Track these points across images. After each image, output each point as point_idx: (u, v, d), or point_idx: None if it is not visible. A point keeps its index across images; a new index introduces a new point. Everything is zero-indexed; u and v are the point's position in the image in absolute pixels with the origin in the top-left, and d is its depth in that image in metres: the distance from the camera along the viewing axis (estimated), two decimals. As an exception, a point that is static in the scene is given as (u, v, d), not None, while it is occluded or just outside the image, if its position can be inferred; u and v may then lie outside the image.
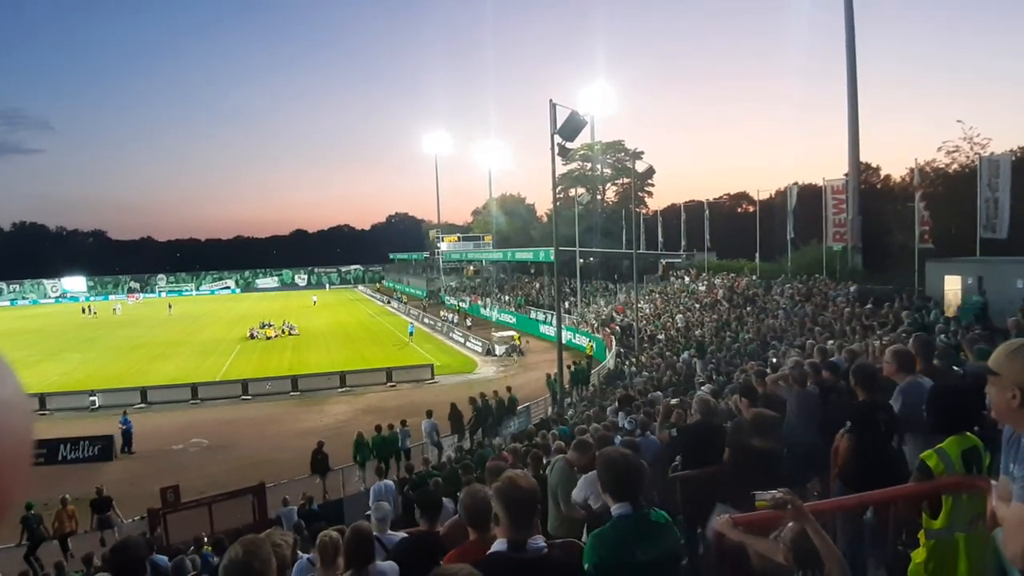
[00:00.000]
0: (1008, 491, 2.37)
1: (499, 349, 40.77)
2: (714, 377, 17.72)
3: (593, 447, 6.82)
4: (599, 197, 69.50)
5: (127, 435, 23.81)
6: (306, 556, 5.63)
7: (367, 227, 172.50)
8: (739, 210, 66.87)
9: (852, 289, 23.71)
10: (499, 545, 2.75)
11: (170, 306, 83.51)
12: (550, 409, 24.36)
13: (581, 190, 67.97)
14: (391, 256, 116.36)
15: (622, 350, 31.34)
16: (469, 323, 48.29)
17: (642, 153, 68.29)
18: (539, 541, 2.77)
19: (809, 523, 2.94)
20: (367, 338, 51.38)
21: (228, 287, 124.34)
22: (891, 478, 4.48)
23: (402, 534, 5.58)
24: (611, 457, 3.35)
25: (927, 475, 3.58)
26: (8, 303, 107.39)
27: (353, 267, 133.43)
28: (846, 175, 30.17)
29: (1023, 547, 2.17)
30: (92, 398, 30.12)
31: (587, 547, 3.12)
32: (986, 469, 3.42)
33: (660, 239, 51.02)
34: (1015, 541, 2.24)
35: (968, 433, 3.65)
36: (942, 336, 12.17)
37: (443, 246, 78.50)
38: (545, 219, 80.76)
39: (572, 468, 6.65)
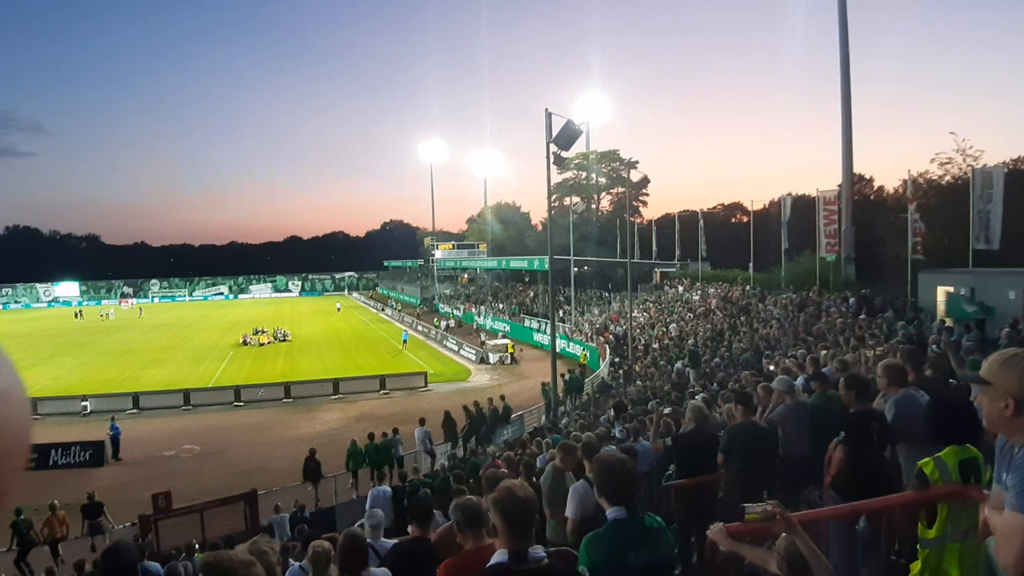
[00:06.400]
0: (1001, 500, 2.38)
1: (492, 357, 40.73)
2: (707, 386, 17.72)
3: (578, 449, 6.82)
4: (594, 206, 69.64)
5: (115, 441, 23.67)
6: (298, 564, 5.62)
7: (362, 234, 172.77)
8: (733, 220, 67.23)
9: (851, 301, 23.67)
10: (500, 556, 2.74)
11: (140, 310, 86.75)
12: (543, 418, 24.33)
13: (576, 199, 68.13)
14: (385, 263, 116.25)
15: (616, 359, 31.36)
16: (483, 338, 47.27)
17: (637, 163, 68.71)
18: (539, 551, 2.76)
19: (798, 535, 2.94)
20: (361, 345, 51.26)
21: (221, 293, 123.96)
22: (884, 488, 4.50)
23: (394, 541, 5.57)
24: (607, 461, 3.35)
25: (924, 483, 3.60)
26: (0, 307, 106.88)
27: (347, 274, 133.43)
28: (839, 186, 30.30)
29: (1015, 556, 2.18)
30: (84, 403, 29.92)
31: (581, 550, 3.13)
32: (985, 482, 3.42)
33: (654, 248, 51.15)
34: (1008, 550, 2.25)
35: (968, 445, 3.66)
36: (934, 347, 12.20)
37: (438, 254, 78.47)
38: (540, 227, 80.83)
39: (561, 473, 6.64)
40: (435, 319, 60.82)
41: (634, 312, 34.60)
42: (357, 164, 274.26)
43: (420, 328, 57.79)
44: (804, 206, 33.61)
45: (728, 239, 50.23)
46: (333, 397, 32.41)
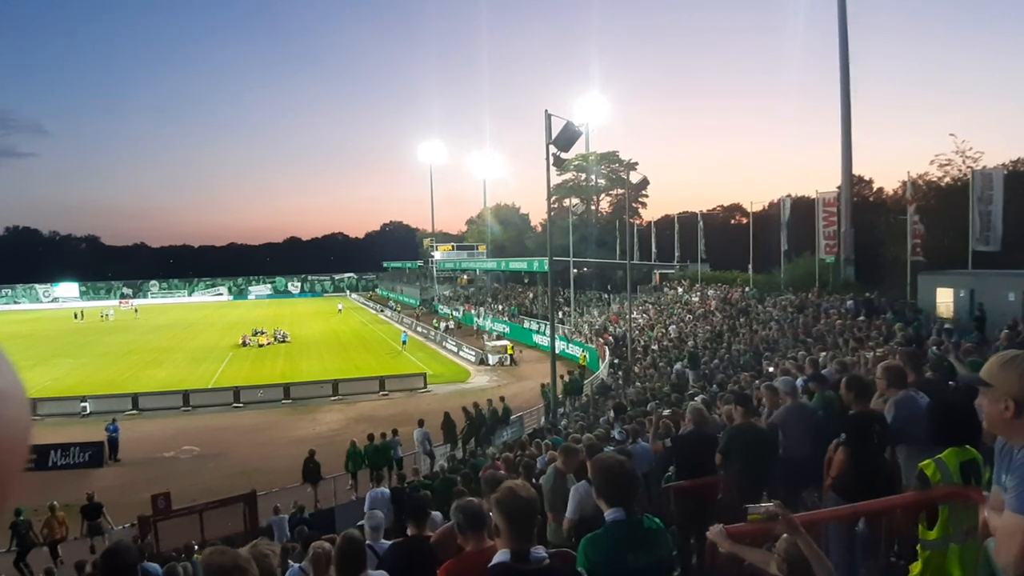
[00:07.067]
0: (1000, 501, 2.39)
1: (492, 359, 40.72)
2: (707, 387, 17.73)
3: (580, 451, 6.81)
4: (593, 207, 69.68)
5: (113, 442, 23.59)
6: (298, 565, 5.61)
7: (361, 235, 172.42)
8: (732, 222, 67.28)
9: (850, 303, 23.67)
10: (502, 556, 2.75)
11: (136, 310, 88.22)
12: (543, 419, 24.32)
13: (576, 200, 68.12)
14: (385, 264, 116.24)
15: (616, 360, 31.36)
16: (484, 339, 47.08)
17: (636, 164, 68.75)
18: (540, 551, 2.77)
19: (800, 536, 2.94)
20: (360, 346, 51.26)
21: (221, 294, 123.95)
22: (884, 489, 4.50)
23: (392, 542, 5.56)
24: (606, 463, 3.35)
25: (925, 484, 3.60)
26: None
27: (347, 275, 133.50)
28: (839, 187, 30.33)
29: (1015, 556, 2.19)
30: (83, 404, 29.86)
31: (580, 551, 3.13)
32: (985, 483, 3.43)
33: (654, 250, 51.18)
34: (1007, 550, 2.26)
35: (968, 446, 3.67)
36: (934, 348, 12.20)
37: (437, 255, 78.46)
38: (539, 229, 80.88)
39: (563, 475, 6.64)
40: (434, 320, 60.82)
41: (633, 313, 34.62)
42: (357, 165, 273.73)
43: (419, 329, 57.79)
44: (803, 208, 33.67)
45: (727, 241, 50.27)
46: (332, 398, 32.40)
